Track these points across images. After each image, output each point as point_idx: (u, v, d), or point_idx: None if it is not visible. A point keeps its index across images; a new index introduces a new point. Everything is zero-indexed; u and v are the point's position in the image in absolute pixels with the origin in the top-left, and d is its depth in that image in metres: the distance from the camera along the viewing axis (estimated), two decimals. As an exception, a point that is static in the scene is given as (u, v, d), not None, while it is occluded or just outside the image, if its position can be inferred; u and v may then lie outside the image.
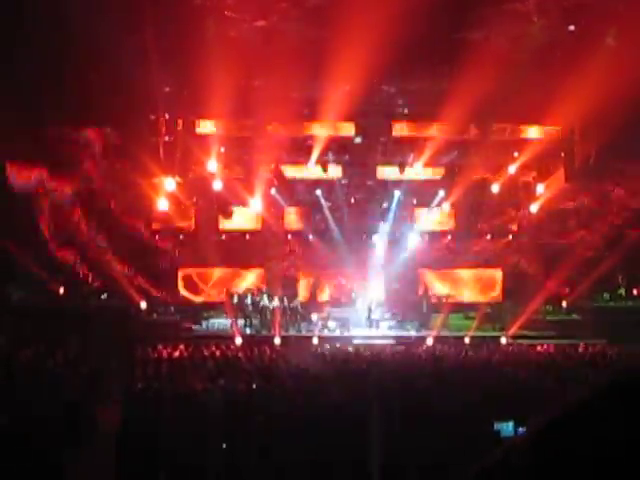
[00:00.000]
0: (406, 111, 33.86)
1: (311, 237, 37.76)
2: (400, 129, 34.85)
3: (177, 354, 23.60)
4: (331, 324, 33.52)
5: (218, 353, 23.90)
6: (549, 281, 34.61)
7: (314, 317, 33.78)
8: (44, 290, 32.66)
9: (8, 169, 32.28)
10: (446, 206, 36.88)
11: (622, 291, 35.61)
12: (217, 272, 38.23)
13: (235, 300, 34.05)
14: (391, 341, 30.31)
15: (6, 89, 26.40)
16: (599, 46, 27.10)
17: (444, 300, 35.99)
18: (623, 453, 1.48)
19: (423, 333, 32.01)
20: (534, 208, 36.65)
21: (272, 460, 12.13)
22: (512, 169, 35.47)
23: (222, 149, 34.36)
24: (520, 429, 12.51)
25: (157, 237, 37.64)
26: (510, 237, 39.23)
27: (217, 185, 34.38)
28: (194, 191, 36.13)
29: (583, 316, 33.30)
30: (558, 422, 1.61)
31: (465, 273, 39.19)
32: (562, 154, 35.63)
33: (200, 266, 38.06)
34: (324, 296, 36.68)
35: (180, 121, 33.97)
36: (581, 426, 1.56)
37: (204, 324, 34.16)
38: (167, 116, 33.56)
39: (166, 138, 33.86)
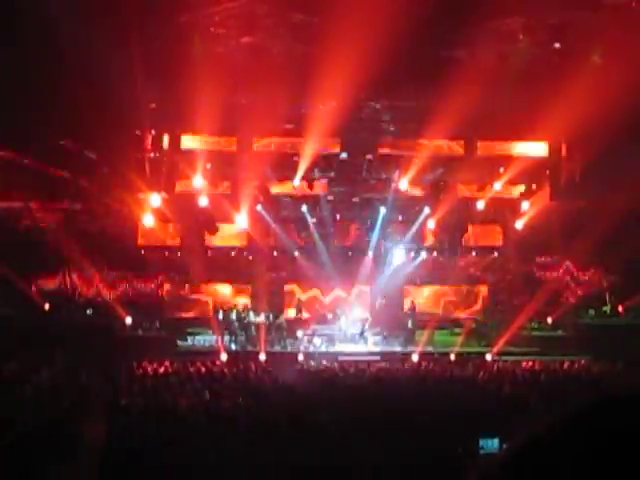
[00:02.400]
0: (392, 128, 33.88)
1: (297, 253, 37.77)
2: (386, 146, 34.89)
3: (162, 370, 23.55)
4: (316, 340, 33.46)
5: (203, 369, 23.87)
6: (534, 298, 34.68)
7: (299, 333, 33.71)
8: (29, 305, 32.58)
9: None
10: (432, 223, 36.92)
11: (607, 308, 35.67)
12: (203, 288, 38.22)
13: (220, 316, 33.93)
14: (376, 357, 30.26)
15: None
16: (585, 64, 27.22)
17: (429, 316, 35.98)
18: (603, 475, 1.49)
19: (408, 349, 31.97)
20: (519, 225, 36.75)
21: (258, 477, 12.10)
22: (498, 186, 35.55)
23: (208, 165, 34.33)
24: (505, 445, 12.50)
25: (143, 253, 37.62)
26: (496, 254, 39.35)
27: (203, 201, 34.38)
28: (180, 207, 36.06)
29: (568, 333, 33.36)
30: (537, 441, 1.61)
31: (451, 289, 39.27)
32: (547, 172, 35.74)
33: (186, 282, 38.03)
34: (309, 312, 36.65)
35: (166, 137, 33.97)
36: (560, 446, 1.56)
37: (189, 340, 34.02)
38: (153, 132, 33.54)
39: (152, 154, 33.84)
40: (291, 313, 35.81)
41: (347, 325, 34.61)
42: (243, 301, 36.68)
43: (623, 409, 1.59)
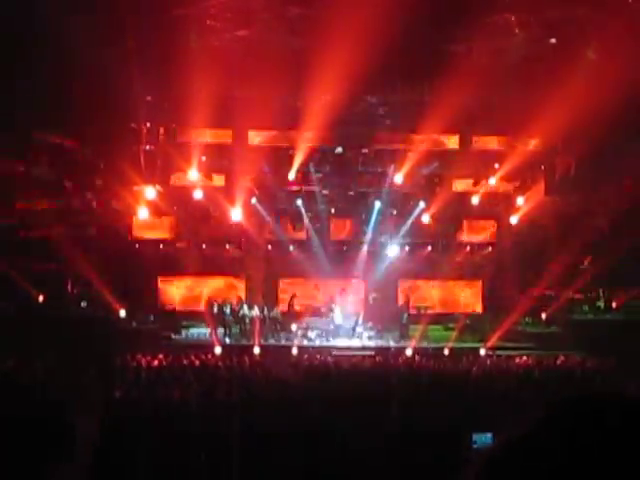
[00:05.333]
0: (387, 122, 33.83)
1: (291, 247, 37.78)
2: (381, 140, 34.84)
3: (156, 363, 23.55)
4: (311, 334, 33.51)
5: (197, 362, 23.87)
6: (528, 293, 34.75)
7: (293, 327, 33.73)
8: (23, 298, 32.53)
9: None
10: (426, 217, 36.93)
11: (601, 304, 35.72)
12: (197, 281, 38.23)
13: (215, 309, 33.91)
14: (370, 352, 30.27)
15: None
16: (580, 59, 27.23)
17: (424, 311, 36.02)
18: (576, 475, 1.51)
19: (402, 344, 31.99)
20: (514, 220, 36.78)
21: (253, 470, 12.11)
22: (492, 181, 35.54)
23: (203, 158, 34.27)
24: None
25: (137, 246, 37.62)
26: (490, 249, 39.40)
27: (198, 194, 34.36)
28: (175, 200, 36.06)
29: (562, 328, 33.37)
30: (509, 444, 1.63)
31: (445, 284, 39.30)
32: (542, 167, 35.73)
33: (180, 275, 38.04)
34: (304, 306, 36.65)
35: (161, 130, 33.89)
36: (532, 448, 1.58)
37: (183, 333, 34.07)
38: (148, 125, 33.46)
39: (147, 147, 33.77)
40: (285, 307, 35.76)
41: (341, 319, 34.62)
42: (237, 294, 36.63)
43: (593, 409, 1.61)
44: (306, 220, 37.37)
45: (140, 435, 12.48)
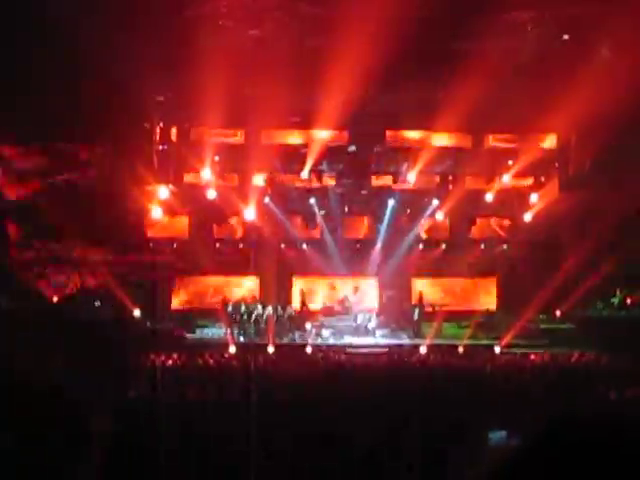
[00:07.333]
0: (401, 120, 33.84)
1: (305, 246, 37.73)
2: (394, 138, 34.84)
3: (171, 362, 23.56)
4: (324, 332, 33.47)
5: (212, 362, 23.89)
6: (543, 290, 34.65)
7: (308, 325, 33.69)
8: (37, 298, 32.59)
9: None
10: (440, 215, 36.86)
11: (616, 301, 35.57)
12: (211, 280, 38.22)
13: (229, 308, 33.91)
14: (384, 350, 30.22)
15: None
16: (594, 56, 27.19)
17: (438, 309, 35.92)
18: None
19: (416, 342, 31.93)
20: (528, 217, 36.67)
21: (268, 470, 12.11)
22: (506, 178, 35.50)
23: (216, 157, 34.33)
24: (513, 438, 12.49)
25: (151, 245, 37.63)
26: (504, 246, 39.28)
27: (211, 193, 34.38)
28: (188, 199, 36.08)
29: (576, 325, 33.25)
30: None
31: (459, 282, 39.20)
32: (556, 164, 35.66)
33: (194, 274, 38.04)
34: (317, 304, 36.62)
35: (174, 129, 33.96)
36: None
37: (198, 332, 34.04)
38: (161, 124, 33.54)
39: (160, 146, 33.85)
40: (298, 305, 35.72)
41: (363, 318, 34.54)
42: (251, 293, 36.65)
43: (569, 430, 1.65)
44: (319, 219, 37.33)
45: (154, 435, 12.50)
